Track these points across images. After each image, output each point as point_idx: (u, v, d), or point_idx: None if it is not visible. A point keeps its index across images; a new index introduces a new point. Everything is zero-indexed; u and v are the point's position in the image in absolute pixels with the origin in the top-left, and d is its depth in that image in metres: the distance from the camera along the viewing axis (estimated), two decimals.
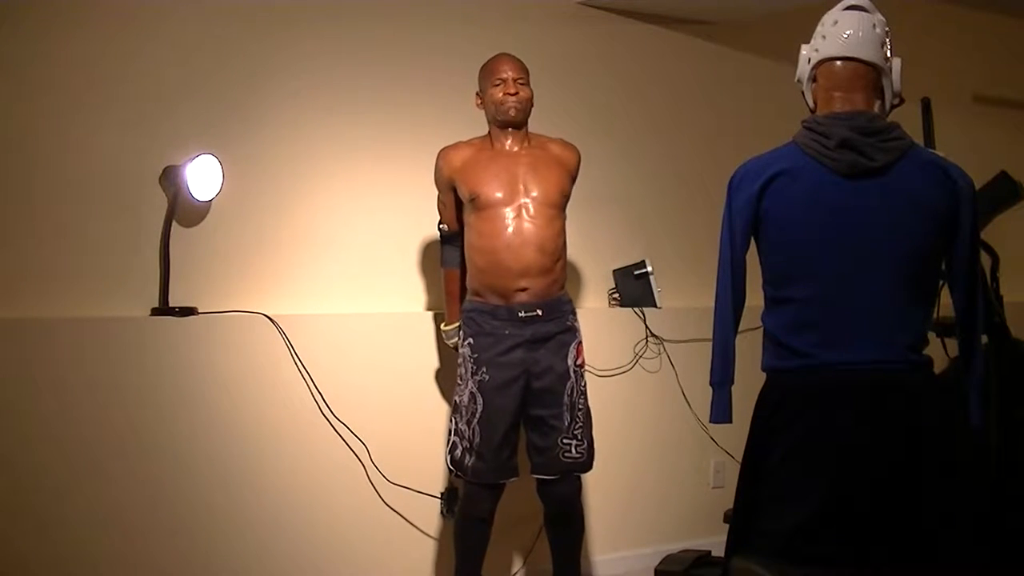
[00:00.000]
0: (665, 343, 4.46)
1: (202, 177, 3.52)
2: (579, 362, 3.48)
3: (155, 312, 3.50)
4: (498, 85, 3.44)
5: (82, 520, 3.33)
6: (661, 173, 4.67)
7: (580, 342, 3.50)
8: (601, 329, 4.20)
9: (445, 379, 3.95)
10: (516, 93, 3.44)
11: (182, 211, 3.56)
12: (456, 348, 3.56)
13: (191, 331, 3.52)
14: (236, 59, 3.71)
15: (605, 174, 4.43)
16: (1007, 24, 5.68)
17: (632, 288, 4.44)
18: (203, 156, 3.52)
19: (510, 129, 3.48)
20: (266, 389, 3.64)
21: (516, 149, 3.48)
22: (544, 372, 3.41)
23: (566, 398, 3.42)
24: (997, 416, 3.47)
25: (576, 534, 3.59)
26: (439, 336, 3.88)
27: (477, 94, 3.53)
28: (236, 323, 3.60)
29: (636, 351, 4.41)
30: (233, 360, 3.60)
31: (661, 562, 4.22)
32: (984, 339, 2.70)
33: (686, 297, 4.55)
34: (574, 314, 3.52)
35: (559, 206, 3.48)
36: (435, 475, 3.93)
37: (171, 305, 3.51)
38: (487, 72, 3.50)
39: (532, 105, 3.49)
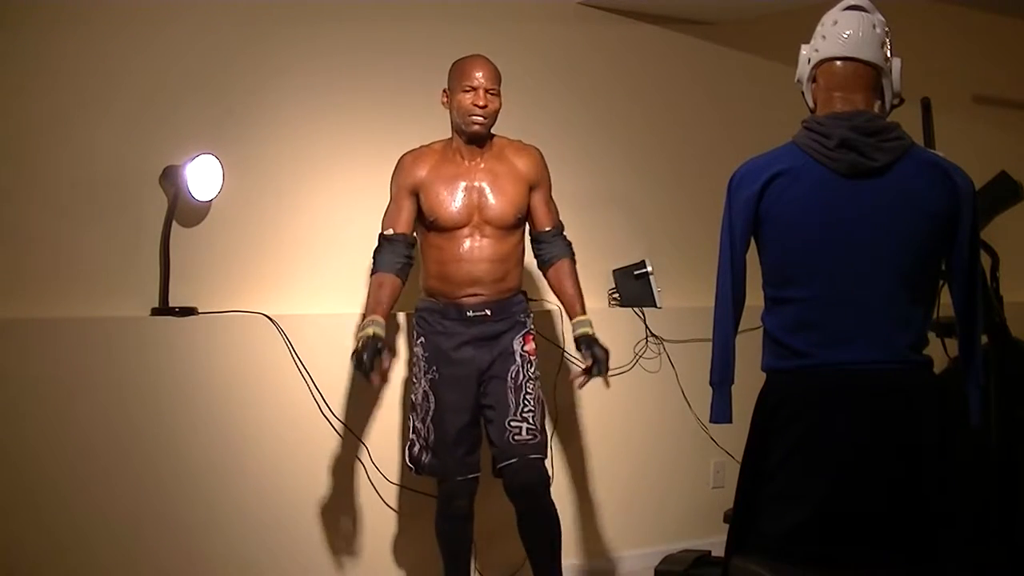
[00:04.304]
0: (665, 343, 4.46)
1: (202, 177, 3.52)
2: (527, 348, 3.47)
3: (155, 312, 3.50)
4: (468, 91, 3.35)
5: (82, 519, 3.33)
6: (661, 173, 4.67)
7: (529, 332, 3.50)
8: (601, 329, 4.19)
9: None
10: (485, 106, 3.35)
11: (182, 211, 3.56)
12: (361, 356, 3.23)
13: (191, 331, 3.52)
14: (236, 59, 3.71)
15: (605, 174, 4.43)
16: (1007, 24, 5.68)
17: (632, 288, 4.43)
18: (203, 156, 3.52)
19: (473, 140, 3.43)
20: (266, 389, 3.64)
21: (476, 160, 3.44)
22: (491, 364, 3.43)
23: (510, 381, 3.41)
24: (997, 416, 3.47)
25: (547, 535, 3.46)
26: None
27: (444, 91, 3.45)
28: (236, 323, 3.60)
29: (636, 351, 4.41)
30: (233, 360, 3.59)
31: (661, 562, 4.22)
32: (984, 339, 2.70)
33: (686, 297, 4.55)
34: (527, 313, 3.52)
35: (514, 225, 3.46)
36: None
37: (171, 305, 3.51)
38: (459, 72, 3.40)
39: (496, 118, 3.41)
